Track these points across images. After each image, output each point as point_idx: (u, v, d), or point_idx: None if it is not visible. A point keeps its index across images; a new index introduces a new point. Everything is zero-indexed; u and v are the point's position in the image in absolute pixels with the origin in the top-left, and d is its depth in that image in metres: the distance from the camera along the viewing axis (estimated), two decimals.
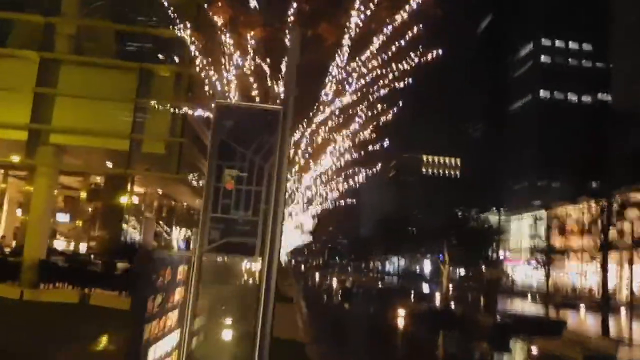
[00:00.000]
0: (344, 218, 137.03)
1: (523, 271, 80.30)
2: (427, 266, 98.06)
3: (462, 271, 78.67)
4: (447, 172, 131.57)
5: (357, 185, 21.62)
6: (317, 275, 61.71)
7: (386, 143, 16.55)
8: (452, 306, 26.93)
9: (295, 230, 51.44)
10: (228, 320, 5.14)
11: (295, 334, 13.19)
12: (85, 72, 11.06)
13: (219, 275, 4.70)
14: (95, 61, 11.53)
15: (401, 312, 25.28)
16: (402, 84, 10.39)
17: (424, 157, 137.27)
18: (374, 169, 21.58)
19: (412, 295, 35.08)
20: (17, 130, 12.66)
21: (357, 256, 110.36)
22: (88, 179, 21.88)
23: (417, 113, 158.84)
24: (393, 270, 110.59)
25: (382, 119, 12.50)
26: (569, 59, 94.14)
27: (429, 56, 9.57)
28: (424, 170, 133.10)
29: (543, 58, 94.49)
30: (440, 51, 9.52)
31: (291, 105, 4.50)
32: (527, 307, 30.96)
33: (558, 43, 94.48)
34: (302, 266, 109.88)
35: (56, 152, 11.05)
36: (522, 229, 76.37)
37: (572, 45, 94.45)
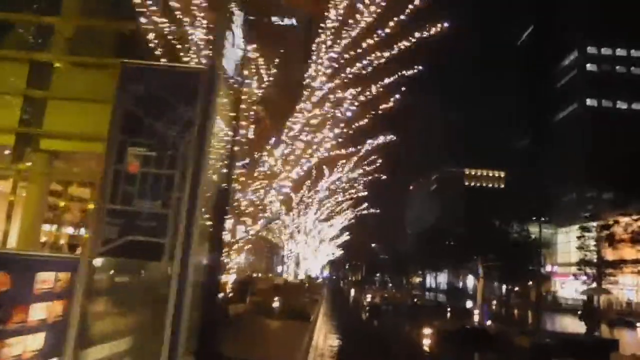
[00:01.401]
0: (385, 233, 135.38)
1: (572, 286, 76.28)
2: (470, 281, 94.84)
3: (506, 286, 75.57)
4: (490, 184, 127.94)
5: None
6: (352, 291, 60.27)
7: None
8: (489, 324, 24.95)
9: (320, 244, 50.87)
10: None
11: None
12: (80, 74, 10.45)
13: (130, 288, 3.66)
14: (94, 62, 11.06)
15: (429, 330, 23.47)
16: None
17: (467, 170, 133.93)
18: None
19: (449, 312, 33.19)
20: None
21: (397, 271, 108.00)
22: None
23: (458, 126, 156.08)
24: (435, 286, 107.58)
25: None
26: (617, 66, 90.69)
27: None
28: (466, 183, 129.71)
29: (589, 66, 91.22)
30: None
31: (220, 66, 3.54)
32: (574, 325, 28.66)
33: (604, 50, 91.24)
34: (341, 282, 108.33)
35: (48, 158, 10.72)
36: (570, 242, 72.66)
37: (620, 52, 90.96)
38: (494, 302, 61.27)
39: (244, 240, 11.00)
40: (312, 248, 42.17)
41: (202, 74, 3.35)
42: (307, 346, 14.81)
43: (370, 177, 26.33)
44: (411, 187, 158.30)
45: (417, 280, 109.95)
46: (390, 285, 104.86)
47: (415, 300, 45.91)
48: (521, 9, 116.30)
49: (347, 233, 78.86)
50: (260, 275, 37.46)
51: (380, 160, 24.29)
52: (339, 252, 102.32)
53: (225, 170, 5.12)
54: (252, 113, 9.86)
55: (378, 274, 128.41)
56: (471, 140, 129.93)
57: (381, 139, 18.77)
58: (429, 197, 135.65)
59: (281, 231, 26.07)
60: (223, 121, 4.40)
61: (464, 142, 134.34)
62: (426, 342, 22.55)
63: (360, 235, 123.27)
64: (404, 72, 11.44)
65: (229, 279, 10.73)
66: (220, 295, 10.44)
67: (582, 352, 18.09)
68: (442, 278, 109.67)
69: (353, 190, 28.35)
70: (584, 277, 52.41)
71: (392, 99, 12.19)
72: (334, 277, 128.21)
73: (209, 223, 4.42)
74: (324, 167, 24.85)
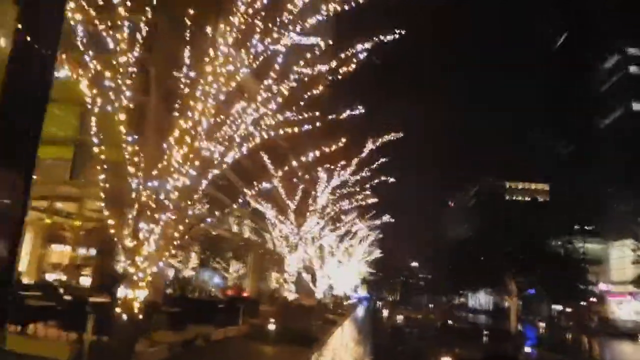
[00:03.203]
0: (424, 251, 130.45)
1: (631, 307, 69.95)
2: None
3: (555, 307, 70.37)
4: (533, 198, 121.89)
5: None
6: (384, 312, 56.62)
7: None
8: (529, 351, 21.26)
9: (348, 261, 47.73)
10: None
11: None
12: None
13: None
14: None
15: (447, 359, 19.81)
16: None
17: (508, 184, 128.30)
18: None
19: (486, 336, 29.29)
20: None
21: (435, 291, 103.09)
22: None
23: (497, 137, 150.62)
24: (478, 306, 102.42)
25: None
26: None
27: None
28: (507, 196, 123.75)
29: (632, 69, 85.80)
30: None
31: None
32: (636, 352, 24.44)
33: None
34: (378, 302, 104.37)
35: None
36: (624, 257, 66.56)
37: None
38: (542, 324, 56.33)
39: (162, 242, 8.24)
40: (334, 265, 39.32)
41: None
42: None
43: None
44: (450, 204, 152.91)
45: (460, 300, 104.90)
46: (432, 305, 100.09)
47: (449, 321, 41.97)
48: (554, 14, 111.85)
49: (380, 252, 75.65)
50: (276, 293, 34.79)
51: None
52: (372, 271, 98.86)
53: None
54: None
55: (419, 295, 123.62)
56: (511, 152, 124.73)
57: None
58: (469, 212, 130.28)
59: (281, 241, 23.32)
60: None
61: (504, 154, 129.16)
62: None
63: (398, 253, 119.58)
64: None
65: (139, 295, 7.91)
66: (124, 317, 7.68)
67: None
68: (487, 298, 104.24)
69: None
70: None
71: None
72: (372, 297, 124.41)
73: None
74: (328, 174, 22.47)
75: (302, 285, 41.24)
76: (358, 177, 23.65)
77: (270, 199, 22.05)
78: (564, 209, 74.21)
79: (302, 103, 9.80)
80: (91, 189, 18.45)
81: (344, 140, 11.53)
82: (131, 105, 7.74)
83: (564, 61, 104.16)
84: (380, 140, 20.11)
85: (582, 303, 63.98)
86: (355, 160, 21.63)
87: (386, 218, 38.22)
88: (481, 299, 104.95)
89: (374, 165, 24.16)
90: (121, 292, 7.93)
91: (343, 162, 21.77)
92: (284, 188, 21.22)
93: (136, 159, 7.79)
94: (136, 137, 7.80)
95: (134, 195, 7.85)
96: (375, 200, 27.20)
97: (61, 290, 17.44)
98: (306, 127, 10.23)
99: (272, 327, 18.59)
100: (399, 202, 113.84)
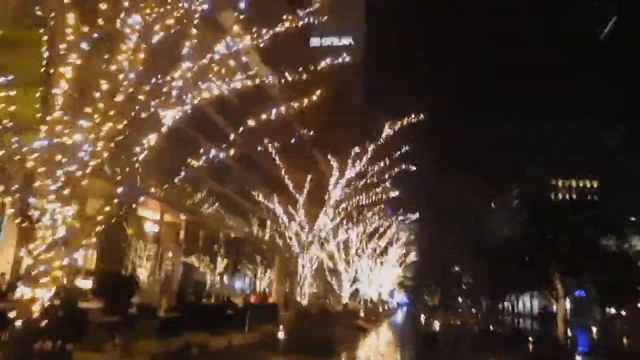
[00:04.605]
0: (466, 255, 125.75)
1: None
2: (566, 305, 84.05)
3: (608, 310, 65.81)
4: (581, 195, 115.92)
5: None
6: (422, 317, 53.84)
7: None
8: (579, 359, 18.53)
9: (382, 265, 45.34)
10: None
11: None
12: None
13: None
14: None
15: None
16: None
17: (554, 181, 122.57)
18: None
19: (532, 343, 26.35)
20: None
21: (477, 295, 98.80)
22: None
23: (541, 133, 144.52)
24: (522, 310, 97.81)
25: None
26: None
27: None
28: (553, 195, 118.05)
29: None
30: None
31: None
32: None
33: None
34: (417, 307, 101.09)
35: None
36: None
37: None
38: (594, 329, 52.25)
39: (79, 226, 6.37)
40: (363, 268, 37.09)
41: None
42: None
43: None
44: (493, 204, 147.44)
45: (503, 303, 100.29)
46: (473, 310, 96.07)
47: (490, 327, 38.93)
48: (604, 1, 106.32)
49: (415, 254, 72.78)
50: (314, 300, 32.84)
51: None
52: (410, 275, 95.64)
53: None
54: None
55: (460, 299, 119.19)
56: (557, 148, 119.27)
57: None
58: (512, 213, 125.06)
59: (293, 240, 21.31)
60: None
61: (549, 150, 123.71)
62: None
63: (437, 257, 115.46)
64: None
65: (41, 295, 6.03)
66: (18, 322, 5.83)
67: None
68: (532, 301, 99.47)
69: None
70: None
71: None
72: (412, 302, 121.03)
73: None
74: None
75: (331, 289, 39.17)
76: (379, 167, 21.31)
77: (278, 191, 20.17)
78: (616, 205, 69.69)
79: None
80: None
81: (319, 92, 9.49)
82: None
83: (611, 48, 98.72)
84: (400, 123, 17.96)
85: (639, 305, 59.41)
86: (371, 147, 19.47)
87: (415, 216, 35.71)
88: (526, 303, 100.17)
89: (398, 160, 21.92)
90: (19, 291, 6.14)
91: (357, 150, 19.62)
92: (291, 179, 19.29)
93: (12, 108, 5.98)
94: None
95: (16, 158, 6.03)
96: (396, 193, 24.77)
97: None
98: (269, 80, 8.29)
99: (282, 335, 16.60)
100: (439, 203, 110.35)
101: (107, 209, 6.49)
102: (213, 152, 7.88)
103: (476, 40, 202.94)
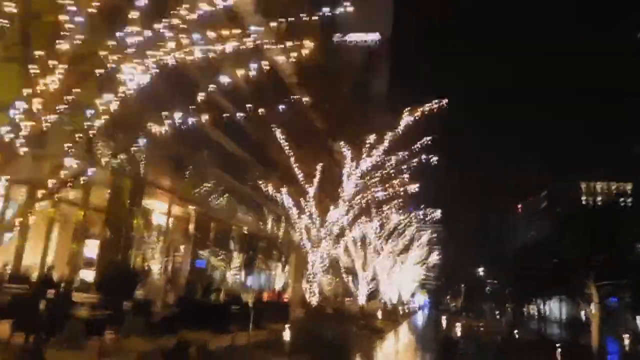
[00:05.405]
0: (492, 258, 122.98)
1: None
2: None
3: None
4: (614, 197, 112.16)
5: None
6: (443, 320, 52.18)
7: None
8: None
9: (401, 265, 43.82)
10: None
11: None
12: None
13: None
14: None
15: None
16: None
17: (583, 184, 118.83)
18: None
19: (559, 353, 24.63)
20: None
21: (502, 300, 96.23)
22: None
23: (572, 134, 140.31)
24: (552, 317, 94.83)
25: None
26: None
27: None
28: (583, 198, 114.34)
29: None
30: None
31: None
32: None
33: None
34: (437, 309, 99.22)
35: None
36: None
37: None
38: (626, 337, 49.65)
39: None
40: (382, 267, 35.76)
41: None
42: None
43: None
44: (519, 207, 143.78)
45: (530, 308, 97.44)
46: (497, 314, 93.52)
47: (515, 332, 37.18)
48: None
49: (438, 255, 70.94)
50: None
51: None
52: (431, 274, 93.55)
53: None
54: None
55: (484, 303, 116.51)
56: (587, 150, 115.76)
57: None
58: (540, 216, 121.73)
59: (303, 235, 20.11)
60: None
61: (579, 152, 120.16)
62: None
63: (461, 258, 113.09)
64: None
65: None
66: None
67: None
68: (560, 307, 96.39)
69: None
70: None
71: None
72: (433, 304, 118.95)
73: None
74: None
75: (348, 288, 37.95)
76: (402, 157, 19.94)
77: (287, 181, 19.03)
78: None
79: None
80: None
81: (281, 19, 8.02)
82: None
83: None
84: (420, 110, 16.67)
85: None
86: (389, 135, 18.15)
87: (437, 213, 34.22)
88: (553, 308, 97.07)
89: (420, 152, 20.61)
90: None
91: (374, 137, 18.29)
92: (300, 169, 18.13)
93: None
94: None
95: None
96: (416, 186, 23.33)
97: None
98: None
99: (287, 335, 15.48)
100: (464, 205, 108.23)
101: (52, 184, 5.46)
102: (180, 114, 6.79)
103: (509, 40, 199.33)
